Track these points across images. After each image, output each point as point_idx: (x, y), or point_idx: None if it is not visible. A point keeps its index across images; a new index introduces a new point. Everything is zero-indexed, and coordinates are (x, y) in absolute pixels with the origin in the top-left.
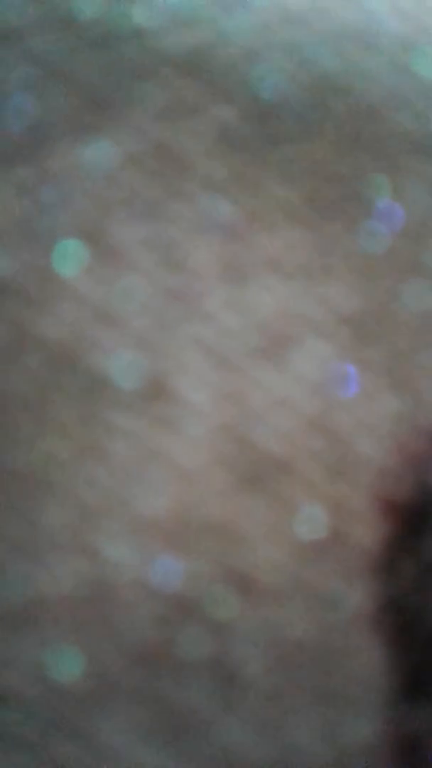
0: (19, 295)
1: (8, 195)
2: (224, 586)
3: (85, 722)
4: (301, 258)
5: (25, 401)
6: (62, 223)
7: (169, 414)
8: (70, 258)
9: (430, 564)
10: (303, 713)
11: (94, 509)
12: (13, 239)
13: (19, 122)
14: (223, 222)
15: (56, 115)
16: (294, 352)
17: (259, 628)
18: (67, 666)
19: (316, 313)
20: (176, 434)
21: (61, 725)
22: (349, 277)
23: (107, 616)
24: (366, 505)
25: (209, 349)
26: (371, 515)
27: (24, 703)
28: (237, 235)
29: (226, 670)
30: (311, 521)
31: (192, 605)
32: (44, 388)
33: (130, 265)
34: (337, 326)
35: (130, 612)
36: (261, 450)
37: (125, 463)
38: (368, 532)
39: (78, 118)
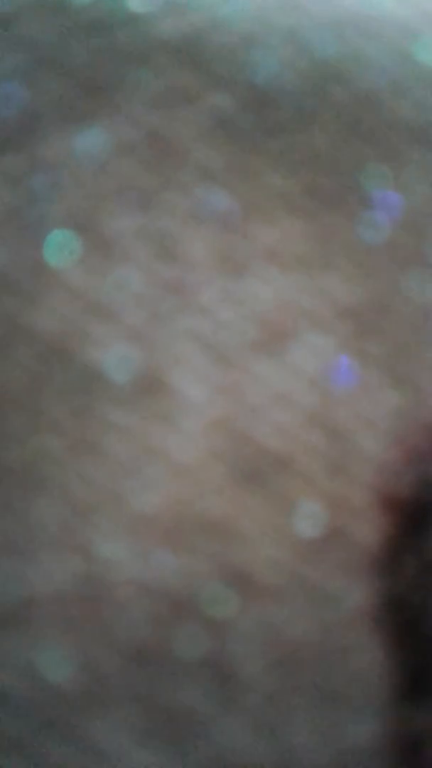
0: (10, 286)
1: None
2: (222, 583)
3: (79, 723)
4: (299, 249)
5: (17, 395)
6: (54, 213)
7: (165, 408)
8: (61, 249)
9: (431, 561)
10: (302, 713)
11: (87, 506)
12: (3, 229)
13: (9, 109)
14: (219, 212)
15: (48, 102)
16: (292, 345)
17: (257, 627)
18: (61, 666)
19: (315, 305)
20: (172, 429)
21: (54, 726)
22: (348, 269)
23: (102, 615)
24: (366, 501)
25: (205, 343)
26: (371, 511)
27: (17, 703)
28: (233, 225)
29: (223, 669)
30: (310, 518)
31: (189, 603)
32: (36, 382)
33: (124, 256)
34: (336, 319)
35: (125, 610)
36: (259, 445)
37: (120, 459)
38: (368, 529)
39: (70, 106)
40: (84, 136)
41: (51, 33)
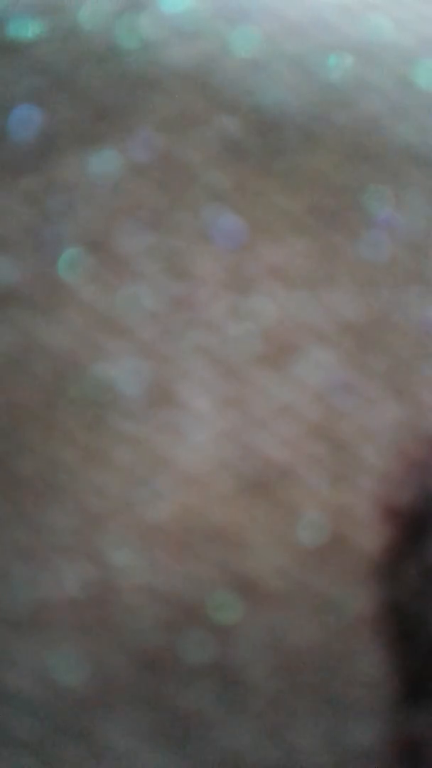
0: (26, 302)
1: (15, 204)
2: (228, 590)
3: (89, 725)
4: (304, 267)
5: (31, 408)
6: (68, 232)
7: (174, 421)
8: (75, 266)
9: (431, 569)
10: (306, 717)
11: (99, 514)
12: (20, 247)
13: (26, 132)
14: (227, 231)
15: (62, 125)
16: (297, 359)
17: (262, 633)
18: (72, 669)
19: (319, 321)
20: (180, 441)
21: (65, 728)
22: (351, 286)
23: (112, 620)
24: (368, 511)
25: (213, 357)
26: (373, 521)
27: (29, 705)
28: (241, 244)
29: (229, 674)
30: (314, 527)
31: (196, 609)
32: (50, 394)
33: (135, 273)
34: (339, 334)
35: (135, 616)
36: (264, 456)
37: (130, 469)
38: (370, 538)
39: (84, 129)
40: (97, 158)
41: (65, 58)
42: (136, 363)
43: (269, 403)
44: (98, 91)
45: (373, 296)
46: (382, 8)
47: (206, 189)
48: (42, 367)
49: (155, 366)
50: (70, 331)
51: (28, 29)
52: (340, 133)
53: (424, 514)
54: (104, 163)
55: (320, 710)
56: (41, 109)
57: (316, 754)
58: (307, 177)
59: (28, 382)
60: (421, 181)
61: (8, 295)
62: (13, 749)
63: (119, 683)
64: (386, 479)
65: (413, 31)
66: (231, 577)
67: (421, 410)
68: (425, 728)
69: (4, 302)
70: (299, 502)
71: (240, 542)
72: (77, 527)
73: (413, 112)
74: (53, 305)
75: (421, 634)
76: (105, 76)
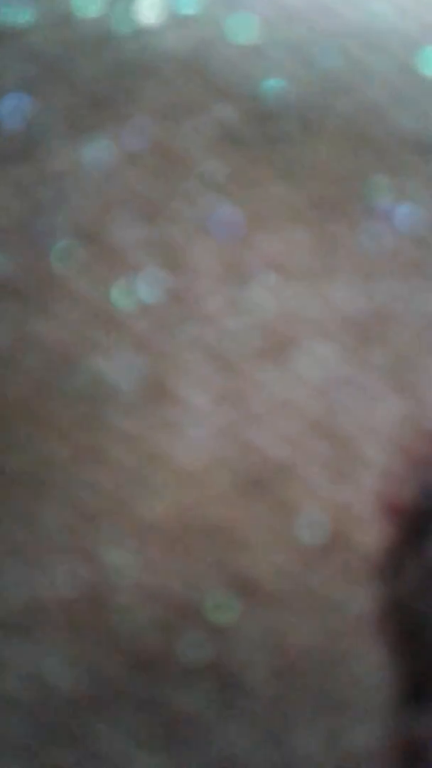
0: (18, 295)
1: (6, 194)
2: (225, 590)
3: (83, 727)
4: (303, 259)
5: (24, 403)
6: (61, 223)
7: (170, 416)
8: (68, 258)
9: None
10: (305, 719)
11: (93, 512)
12: (12, 239)
13: (18, 121)
14: (224, 222)
15: (55, 113)
16: (296, 353)
17: (260, 633)
18: (65, 671)
19: (319, 314)
20: (177, 437)
21: (59, 730)
22: (352, 278)
23: (106, 621)
24: (369, 508)
25: (210, 351)
26: (374, 519)
27: (22, 707)
28: (238, 235)
29: (227, 675)
30: (313, 525)
31: (192, 609)
32: (43, 389)
33: (130, 265)
34: (340, 328)
35: (129, 616)
36: (263, 453)
37: (125, 466)
38: (371, 536)
39: (77, 117)
40: (91, 148)
41: (59, 46)
42: (131, 357)
43: (268, 398)
44: (92, 78)
45: (373, 289)
46: None
47: (203, 179)
48: (34, 362)
49: (150, 361)
50: (63, 325)
51: (19, 16)
52: (341, 122)
53: (426, 511)
54: (98, 152)
55: (319, 712)
56: (33, 98)
57: (314, 757)
58: (307, 166)
59: (20, 376)
60: (424, 171)
61: (0, 288)
62: (5, 752)
63: (113, 685)
64: (387, 476)
65: (415, 18)
66: (228, 576)
67: (423, 405)
68: (426, 730)
69: None
70: (298, 499)
71: (238, 541)
72: (70, 525)
73: (416, 100)
74: (46, 298)
75: (423, 635)
76: (99, 63)
